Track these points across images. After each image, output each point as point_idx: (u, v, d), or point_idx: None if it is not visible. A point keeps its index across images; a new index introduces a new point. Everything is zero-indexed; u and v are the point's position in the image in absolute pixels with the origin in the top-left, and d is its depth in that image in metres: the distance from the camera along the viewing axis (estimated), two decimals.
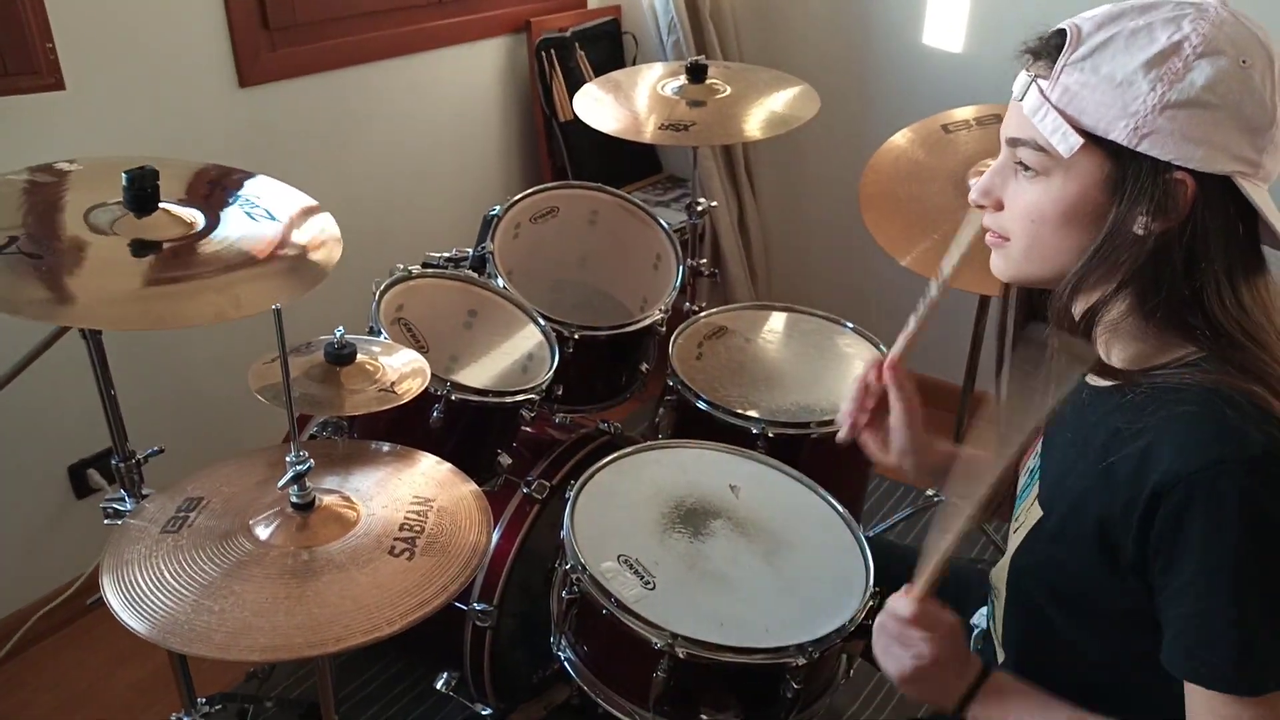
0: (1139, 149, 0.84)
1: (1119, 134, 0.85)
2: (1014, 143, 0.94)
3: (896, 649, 0.99)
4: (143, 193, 1.28)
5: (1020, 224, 0.95)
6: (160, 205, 1.30)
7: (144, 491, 1.46)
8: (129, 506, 1.44)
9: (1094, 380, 0.98)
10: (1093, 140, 0.87)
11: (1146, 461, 0.86)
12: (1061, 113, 0.87)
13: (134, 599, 1.02)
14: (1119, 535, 0.89)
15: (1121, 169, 0.86)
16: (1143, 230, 0.86)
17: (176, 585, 1.04)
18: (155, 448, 1.48)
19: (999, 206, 0.98)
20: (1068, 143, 0.87)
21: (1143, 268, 0.87)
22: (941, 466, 1.24)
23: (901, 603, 0.99)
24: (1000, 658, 1.13)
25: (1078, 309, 0.94)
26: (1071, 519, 0.95)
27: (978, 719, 0.99)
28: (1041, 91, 0.89)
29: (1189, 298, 0.87)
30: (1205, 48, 0.83)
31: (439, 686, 1.69)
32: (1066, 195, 0.90)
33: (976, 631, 1.23)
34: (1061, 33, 0.89)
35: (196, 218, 1.33)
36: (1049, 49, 0.90)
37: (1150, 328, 0.90)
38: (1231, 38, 0.84)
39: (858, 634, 1.21)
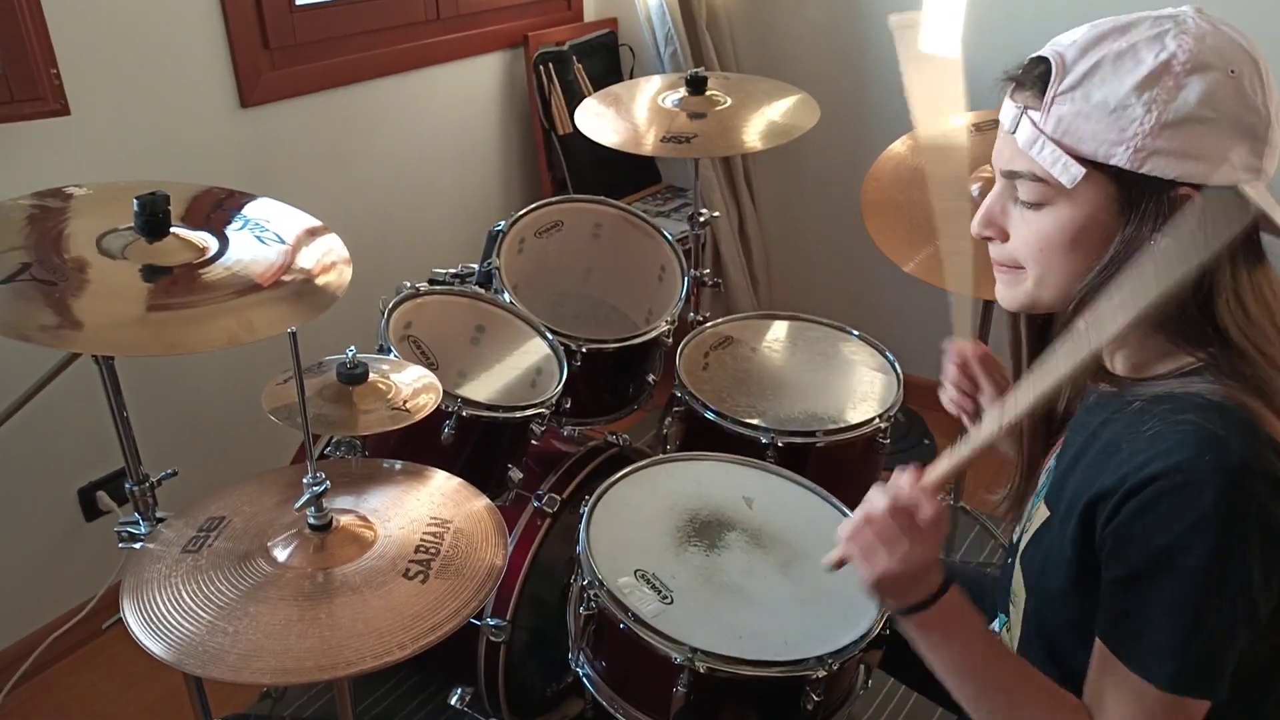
0: (1142, 171, 0.85)
1: (1120, 159, 0.85)
2: (1011, 175, 0.94)
3: (880, 549, 0.92)
4: (154, 218, 1.28)
5: (1030, 253, 0.94)
6: (171, 230, 1.31)
7: (158, 515, 1.46)
8: (143, 529, 1.44)
9: (1103, 386, 0.99)
10: (1094, 167, 0.87)
11: (1129, 462, 0.87)
12: (1058, 144, 0.87)
13: (153, 621, 1.03)
14: (1099, 522, 0.90)
15: (1126, 191, 0.87)
16: (1154, 245, 0.86)
17: (194, 607, 1.04)
18: (170, 470, 1.48)
19: (1004, 236, 0.97)
20: (1070, 174, 0.87)
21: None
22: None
23: (919, 498, 0.92)
24: None
25: (1087, 321, 0.93)
26: (1068, 517, 0.96)
27: (919, 631, 0.96)
28: (1034, 124, 0.89)
29: (1199, 307, 0.87)
30: (1193, 63, 0.83)
31: (453, 702, 1.69)
32: (1074, 221, 0.90)
33: None
34: (1044, 61, 0.89)
35: (208, 242, 1.33)
36: (1034, 79, 0.90)
37: (1150, 335, 0.91)
38: (1216, 48, 0.84)
39: (876, 644, 1.21)
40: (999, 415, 0.91)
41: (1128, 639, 0.88)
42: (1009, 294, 0.99)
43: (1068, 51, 0.88)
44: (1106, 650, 0.89)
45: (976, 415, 1.24)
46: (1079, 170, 0.87)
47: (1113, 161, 0.85)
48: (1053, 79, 0.88)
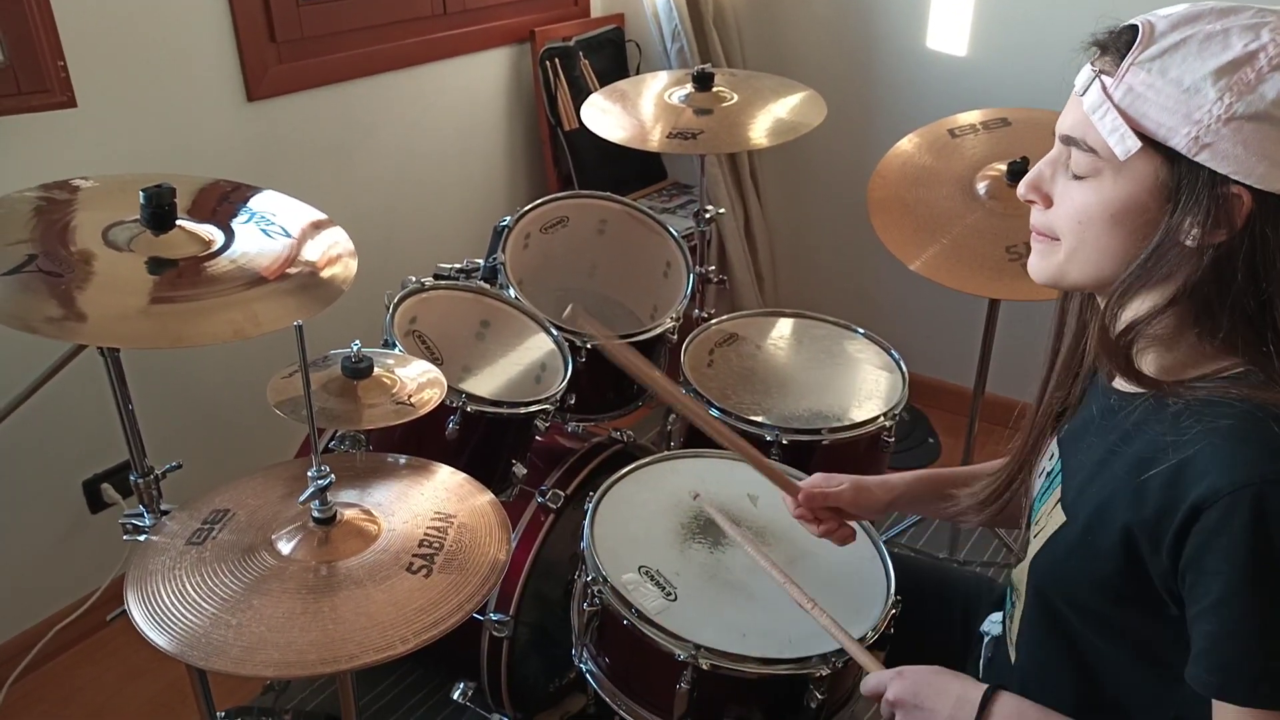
0: (1197, 158, 0.82)
1: (1179, 141, 0.82)
2: (1068, 141, 0.91)
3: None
4: (160, 210, 1.28)
5: (1068, 223, 0.92)
6: (178, 222, 1.31)
7: (163, 507, 1.46)
8: (148, 522, 1.44)
9: (1122, 385, 0.96)
10: (1151, 145, 0.84)
11: (1185, 474, 0.84)
12: (1123, 113, 0.84)
13: (156, 613, 1.02)
14: (1147, 546, 0.88)
15: (1177, 177, 0.83)
16: (1193, 242, 0.83)
17: (197, 599, 1.04)
18: (174, 463, 1.48)
19: (1048, 202, 0.95)
20: (1124, 145, 0.85)
21: (1201, 282, 0.84)
22: (916, 501, 1.29)
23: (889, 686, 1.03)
24: (1013, 658, 1.13)
25: (1123, 319, 0.91)
26: (1096, 526, 0.94)
27: None
28: (1104, 89, 0.86)
29: (1254, 314, 0.84)
30: None
31: (456, 697, 1.70)
32: (1117, 197, 0.87)
33: (987, 639, 1.23)
34: (1133, 29, 0.86)
35: (214, 234, 1.33)
36: (1118, 44, 0.86)
37: (1196, 340, 0.88)
38: None
39: (880, 643, 1.21)
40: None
41: (1226, 681, 0.83)
42: (1040, 264, 0.97)
43: (1160, 23, 0.85)
44: (1220, 704, 0.84)
45: (845, 530, 1.28)
46: (1134, 143, 0.84)
47: (1171, 143, 0.82)
48: (1135, 45, 0.84)
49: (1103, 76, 0.87)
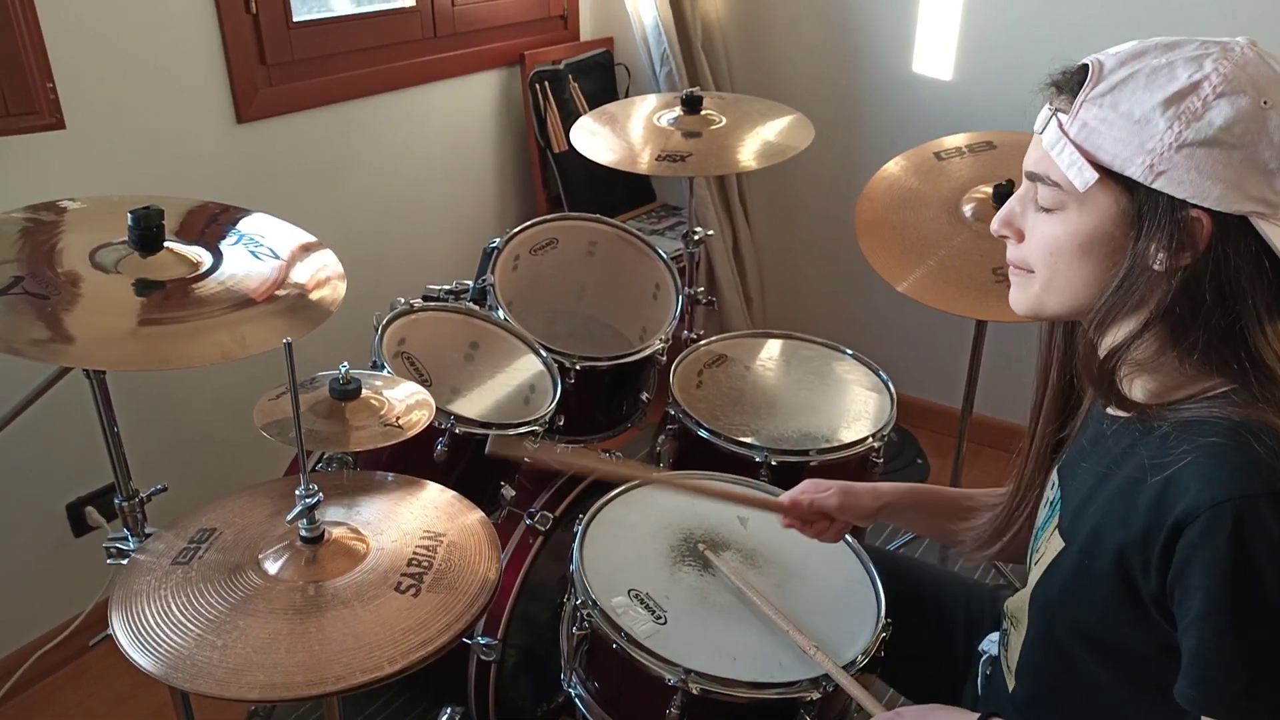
0: (1154, 186, 0.85)
1: (1135, 170, 0.85)
2: (1032, 177, 0.95)
3: None
4: (148, 232, 1.28)
5: (1040, 255, 0.95)
6: (166, 244, 1.30)
7: (147, 530, 1.45)
8: (132, 545, 1.43)
9: (1115, 411, 0.98)
10: (1109, 175, 0.87)
11: (1168, 492, 0.86)
12: (1079, 148, 0.88)
13: (141, 634, 1.01)
14: (1138, 566, 0.89)
15: (1137, 205, 0.87)
16: (1161, 266, 0.86)
17: (182, 620, 1.03)
18: (159, 485, 1.47)
19: (1020, 237, 0.98)
20: (1083, 177, 0.88)
21: (1173, 305, 0.87)
22: (905, 512, 1.29)
23: None
24: (1010, 685, 1.13)
25: (1104, 346, 0.94)
26: (1091, 550, 0.95)
27: None
28: (1061, 126, 0.90)
29: (1226, 332, 0.86)
30: (1225, 87, 0.83)
31: None
32: (1084, 228, 0.91)
33: (985, 657, 1.23)
34: (1085, 68, 0.90)
35: (202, 256, 1.33)
36: (1071, 83, 0.90)
37: (1177, 362, 0.90)
38: (1254, 78, 0.83)
39: (870, 667, 1.20)
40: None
41: (1209, 696, 0.85)
42: (1018, 296, 1.00)
43: (1108, 60, 0.89)
44: (1203, 716, 0.85)
45: (835, 531, 1.29)
46: (1092, 175, 0.87)
47: (1128, 172, 0.86)
48: (1087, 83, 0.88)
49: (1059, 114, 0.91)
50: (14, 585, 2.00)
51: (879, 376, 1.89)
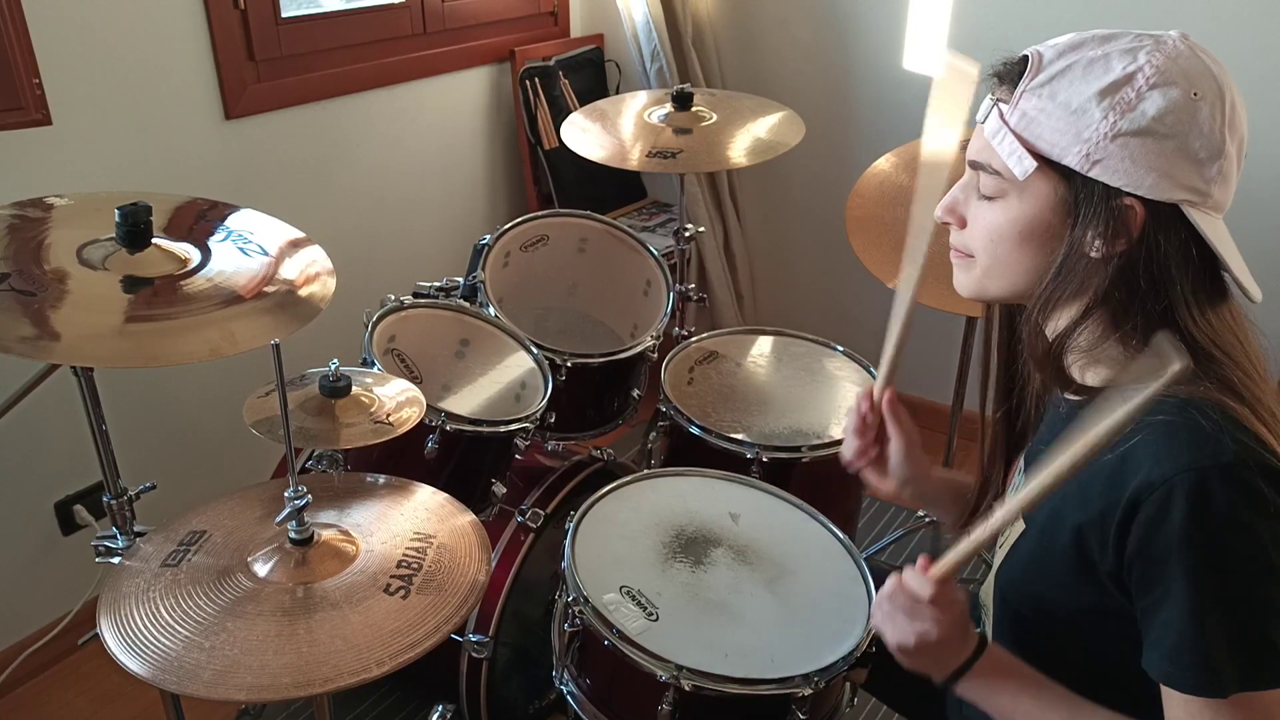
0: (1090, 174, 0.88)
1: (1072, 159, 0.88)
2: (975, 165, 0.97)
3: (902, 619, 0.99)
4: (135, 229, 1.27)
5: (981, 242, 0.98)
6: (153, 241, 1.29)
7: (136, 529, 1.44)
8: (121, 544, 1.42)
9: (1071, 396, 1.00)
10: (1047, 164, 0.90)
11: (1123, 470, 0.88)
12: (1019, 137, 0.91)
13: (129, 637, 1.01)
14: (1096, 544, 0.91)
15: (1074, 193, 0.90)
16: (1097, 253, 0.89)
17: (171, 622, 1.02)
18: (148, 484, 1.46)
19: (963, 224, 1.01)
20: (1022, 166, 0.91)
21: (1110, 291, 0.90)
22: (939, 493, 1.25)
23: (919, 581, 0.98)
24: None
25: (1049, 330, 0.97)
26: (1049, 530, 0.97)
27: (966, 693, 0.99)
28: (1001, 115, 0.92)
29: (1161, 316, 0.89)
30: (1158, 79, 0.86)
31: (435, 719, 1.67)
32: (1023, 215, 0.93)
33: None
34: (1025, 59, 0.93)
35: (191, 253, 1.32)
36: (1012, 74, 0.93)
37: (1121, 346, 0.93)
38: (1185, 71, 0.86)
39: (861, 662, 1.21)
40: (1009, 508, 0.92)
41: (1175, 669, 0.87)
42: (962, 279, 1.03)
43: (1047, 52, 0.91)
44: (1168, 690, 0.88)
45: (879, 467, 1.20)
46: (1031, 164, 0.90)
47: (1065, 161, 0.88)
48: (1027, 74, 0.91)
49: (1000, 104, 0.93)
50: (2, 584, 1.99)
51: (870, 373, 1.89)
